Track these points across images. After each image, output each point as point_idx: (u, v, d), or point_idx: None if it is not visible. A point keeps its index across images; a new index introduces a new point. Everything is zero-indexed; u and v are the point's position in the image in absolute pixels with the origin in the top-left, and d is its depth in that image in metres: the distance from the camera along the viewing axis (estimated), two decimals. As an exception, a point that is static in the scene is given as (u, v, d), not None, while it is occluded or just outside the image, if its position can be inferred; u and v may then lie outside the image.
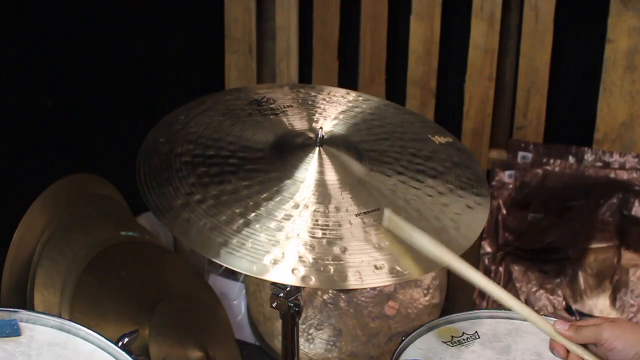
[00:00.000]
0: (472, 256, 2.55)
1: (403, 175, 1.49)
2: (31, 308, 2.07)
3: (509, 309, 1.35)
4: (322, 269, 1.31)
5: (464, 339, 1.54)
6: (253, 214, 1.36)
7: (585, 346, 1.30)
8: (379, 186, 1.45)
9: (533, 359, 1.50)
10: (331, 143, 1.49)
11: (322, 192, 1.41)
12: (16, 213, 2.14)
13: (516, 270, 2.47)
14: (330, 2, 2.75)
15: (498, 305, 2.58)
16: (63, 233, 2.17)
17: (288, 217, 1.36)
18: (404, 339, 1.50)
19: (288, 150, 1.47)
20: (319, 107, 1.62)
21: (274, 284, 1.47)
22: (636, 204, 2.45)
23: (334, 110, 1.62)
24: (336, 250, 1.33)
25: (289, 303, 1.49)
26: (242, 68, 2.88)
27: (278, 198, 1.39)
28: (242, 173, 1.42)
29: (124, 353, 1.37)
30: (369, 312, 2.41)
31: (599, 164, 2.55)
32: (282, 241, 1.33)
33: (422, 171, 1.50)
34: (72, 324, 1.40)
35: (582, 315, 2.37)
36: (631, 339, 1.27)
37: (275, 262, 1.31)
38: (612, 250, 2.41)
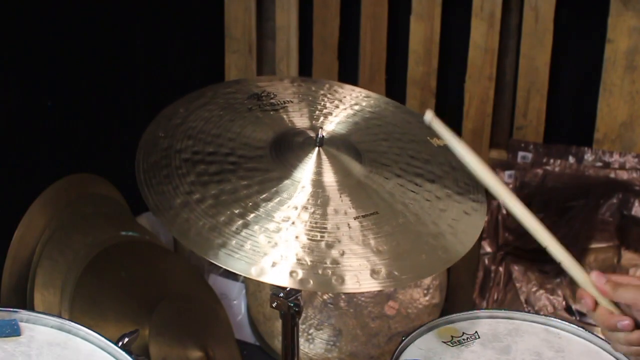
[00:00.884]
0: (472, 256, 2.55)
1: (401, 179, 1.48)
2: (31, 308, 2.07)
3: (539, 240, 1.25)
4: (320, 272, 1.31)
5: (464, 339, 1.54)
6: (252, 215, 1.36)
7: (616, 304, 1.23)
8: (378, 189, 1.45)
9: (533, 359, 1.50)
10: (331, 143, 1.48)
11: (321, 194, 1.40)
12: (16, 213, 2.14)
13: (516, 270, 2.47)
14: (330, 2, 2.75)
15: (498, 305, 2.59)
16: (63, 233, 2.17)
17: (287, 219, 1.36)
18: (404, 339, 1.50)
19: (288, 150, 1.47)
20: (319, 103, 1.61)
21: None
22: (636, 204, 2.45)
23: (333, 107, 1.61)
24: (334, 253, 1.33)
25: (289, 303, 1.49)
26: (242, 68, 2.88)
27: (277, 199, 1.38)
28: (241, 172, 1.42)
29: (124, 353, 1.37)
30: (369, 312, 2.41)
31: (599, 164, 2.55)
32: (280, 243, 1.33)
33: (420, 175, 1.50)
34: (72, 324, 1.40)
35: (582, 315, 2.37)
36: None
37: (273, 264, 1.31)
38: (612, 250, 2.41)
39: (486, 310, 1.61)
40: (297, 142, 1.48)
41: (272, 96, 1.60)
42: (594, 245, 2.41)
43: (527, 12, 2.55)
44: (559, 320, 1.58)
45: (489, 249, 2.52)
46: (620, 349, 1.25)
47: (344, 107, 1.62)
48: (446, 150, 1.60)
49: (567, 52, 2.59)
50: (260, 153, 1.46)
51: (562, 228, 2.48)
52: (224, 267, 1.31)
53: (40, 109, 2.33)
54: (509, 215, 2.56)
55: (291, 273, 1.30)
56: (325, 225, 1.36)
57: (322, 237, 1.35)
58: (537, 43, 2.55)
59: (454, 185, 1.51)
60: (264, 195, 1.38)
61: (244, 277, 2.61)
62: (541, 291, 2.42)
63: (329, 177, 1.43)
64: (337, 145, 1.49)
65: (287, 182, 1.41)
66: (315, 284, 1.29)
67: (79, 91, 2.43)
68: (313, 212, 1.37)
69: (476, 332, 1.56)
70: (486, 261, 2.51)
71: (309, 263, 1.31)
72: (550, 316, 1.61)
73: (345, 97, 1.65)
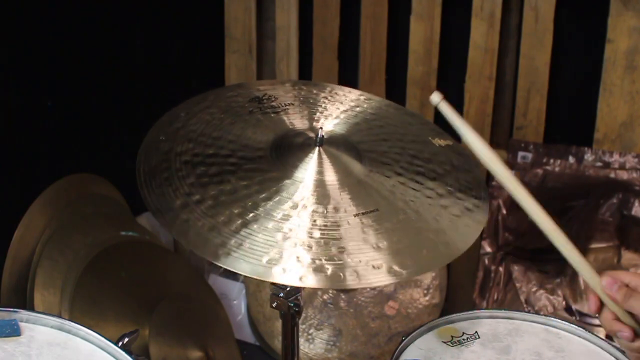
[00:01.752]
0: (472, 256, 2.55)
1: (402, 177, 1.49)
2: (31, 308, 2.07)
3: (547, 234, 1.23)
4: (320, 269, 1.31)
5: (464, 339, 1.54)
6: (251, 215, 1.36)
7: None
8: (378, 187, 1.45)
9: (533, 359, 1.50)
10: (331, 143, 1.49)
11: (321, 193, 1.41)
12: (16, 213, 2.14)
13: (516, 270, 2.47)
14: (330, 2, 2.75)
15: (498, 305, 2.59)
16: (63, 233, 2.17)
17: (286, 218, 1.36)
18: (404, 339, 1.50)
19: (288, 150, 1.47)
20: (320, 106, 1.61)
21: (273, 283, 1.47)
22: (636, 204, 2.45)
23: (334, 109, 1.62)
24: (334, 250, 1.33)
25: (289, 303, 1.49)
26: (242, 68, 2.88)
27: (277, 198, 1.39)
28: (241, 173, 1.42)
29: (124, 353, 1.37)
30: (369, 312, 2.41)
31: (599, 164, 2.55)
32: (280, 242, 1.33)
33: (421, 173, 1.50)
34: (72, 324, 1.40)
35: (582, 315, 2.37)
36: None
37: (273, 262, 1.31)
38: (612, 250, 2.41)
39: (486, 310, 1.61)
40: (297, 143, 1.49)
41: (273, 99, 1.60)
42: (594, 245, 2.41)
43: (527, 12, 2.55)
44: (559, 320, 1.58)
45: (489, 249, 2.52)
46: (622, 347, 1.24)
47: (345, 109, 1.62)
48: (448, 149, 1.60)
49: (567, 52, 2.59)
50: (261, 154, 1.46)
51: (562, 228, 2.48)
52: (224, 267, 1.31)
53: (40, 109, 2.33)
54: (509, 215, 2.56)
55: (291, 271, 1.30)
56: (325, 223, 1.36)
57: (322, 234, 1.35)
58: (537, 43, 2.55)
59: (455, 183, 1.52)
60: (264, 195, 1.39)
61: (244, 277, 2.62)
62: (541, 291, 2.42)
63: (330, 176, 1.43)
64: (337, 145, 1.49)
65: (287, 181, 1.42)
66: (316, 281, 1.30)
67: (79, 91, 2.44)
68: (313, 211, 1.38)
69: (476, 332, 1.56)
70: (486, 261, 2.51)
71: (309, 260, 1.31)
72: (550, 316, 1.61)
73: (346, 99, 1.65)
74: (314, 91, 1.66)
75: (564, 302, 2.39)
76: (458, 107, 2.66)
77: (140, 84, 2.65)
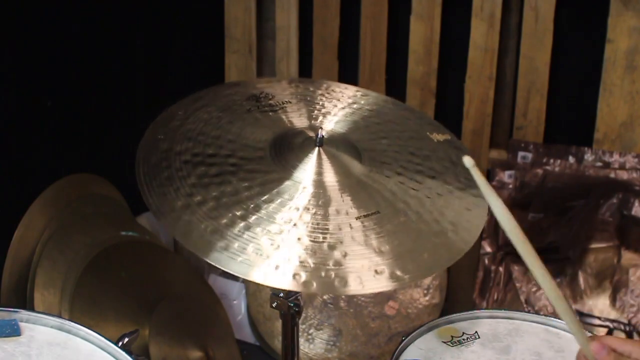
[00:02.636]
0: (472, 256, 2.55)
1: (402, 176, 1.48)
2: (31, 308, 2.07)
3: (555, 305, 1.24)
4: (323, 274, 1.30)
5: (464, 339, 1.54)
6: (254, 217, 1.35)
7: None
8: (379, 188, 1.45)
9: (533, 359, 1.50)
10: (330, 143, 1.48)
11: (322, 195, 1.40)
12: (16, 213, 2.14)
13: (516, 270, 2.47)
14: (330, 2, 2.75)
15: (498, 305, 2.59)
16: (63, 233, 2.17)
17: (289, 221, 1.35)
18: (404, 339, 1.50)
19: (288, 150, 1.47)
20: (318, 103, 1.61)
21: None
22: (636, 204, 2.45)
23: (332, 107, 1.61)
24: (337, 255, 1.33)
25: (289, 303, 1.49)
26: (242, 68, 2.88)
27: (278, 200, 1.38)
28: (242, 173, 1.42)
29: (124, 353, 1.37)
30: (369, 312, 2.41)
31: (599, 164, 2.55)
32: (282, 245, 1.32)
33: (420, 171, 1.50)
34: (72, 324, 1.40)
35: (582, 315, 2.37)
36: None
37: (276, 267, 1.30)
38: (612, 250, 2.41)
39: (486, 310, 1.61)
40: (296, 143, 1.48)
41: (271, 97, 1.60)
42: (594, 245, 2.41)
43: (527, 12, 2.55)
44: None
45: (489, 249, 2.52)
46: None
47: (342, 106, 1.62)
48: (445, 145, 1.60)
49: (567, 52, 2.59)
50: (260, 154, 1.46)
51: (562, 228, 2.48)
52: (226, 270, 1.30)
53: (40, 109, 2.33)
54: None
55: (294, 275, 1.30)
56: (327, 226, 1.36)
57: (324, 238, 1.34)
58: (537, 43, 2.55)
59: (454, 181, 1.52)
60: (265, 197, 1.38)
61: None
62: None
63: (330, 177, 1.43)
64: (336, 144, 1.49)
65: (288, 183, 1.41)
66: (319, 286, 1.29)
67: (79, 91, 2.43)
68: (315, 213, 1.37)
69: (476, 332, 1.56)
70: (486, 261, 2.51)
71: (312, 265, 1.31)
72: (550, 316, 1.61)
73: (343, 96, 1.65)
74: (311, 88, 1.65)
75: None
76: (458, 107, 2.68)
77: (140, 84, 2.65)
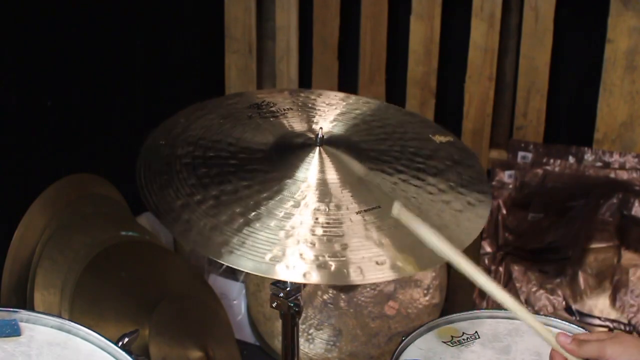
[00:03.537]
0: (472, 256, 2.55)
1: (403, 174, 1.49)
2: (31, 308, 2.07)
3: (509, 311, 1.34)
4: (323, 265, 1.31)
5: (464, 339, 1.54)
6: (253, 213, 1.36)
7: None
8: (380, 184, 1.45)
9: (533, 359, 1.50)
10: (331, 143, 1.49)
11: (323, 191, 1.41)
12: (16, 213, 2.14)
13: (516, 270, 2.47)
14: (330, 2, 2.75)
15: (498, 305, 2.59)
16: (63, 233, 2.17)
17: (289, 216, 1.36)
18: (404, 339, 1.50)
19: (288, 151, 1.47)
20: (319, 110, 1.62)
21: (274, 283, 1.47)
22: (636, 204, 2.45)
23: (333, 112, 1.62)
24: (337, 247, 1.33)
25: (289, 303, 1.49)
26: (242, 68, 2.88)
27: (278, 197, 1.39)
28: (242, 173, 1.42)
29: (124, 353, 1.37)
30: (369, 312, 2.41)
31: (599, 164, 2.55)
32: (282, 239, 1.33)
33: (422, 169, 1.51)
34: (72, 324, 1.40)
35: (582, 315, 2.37)
36: (636, 354, 1.25)
37: (276, 260, 1.31)
38: (612, 250, 2.40)
39: (486, 310, 1.61)
40: (297, 143, 1.49)
41: (272, 105, 1.61)
42: (594, 245, 2.41)
43: (527, 12, 2.55)
44: (559, 320, 1.58)
45: (489, 249, 2.52)
46: None
47: (343, 112, 1.63)
48: (448, 146, 1.60)
49: (567, 52, 2.59)
50: (261, 155, 1.47)
51: (562, 228, 2.48)
52: (227, 264, 1.31)
53: (40, 108, 2.33)
54: (509, 215, 2.57)
55: (294, 267, 1.30)
56: (327, 221, 1.37)
57: (324, 232, 1.35)
58: (537, 43, 2.55)
59: (457, 178, 1.52)
60: (265, 194, 1.39)
61: (244, 277, 2.62)
62: (541, 291, 2.42)
63: (331, 175, 1.44)
64: (337, 145, 1.50)
65: (288, 181, 1.42)
66: (319, 277, 1.30)
67: (79, 91, 2.43)
68: (315, 209, 1.38)
69: (476, 332, 1.56)
70: (486, 261, 2.51)
71: (312, 257, 1.31)
72: (550, 316, 1.61)
73: (344, 103, 1.66)
74: (312, 97, 1.67)
75: (564, 302, 2.39)
76: (458, 107, 2.68)
77: (140, 84, 2.65)
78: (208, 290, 2.49)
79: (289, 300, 1.49)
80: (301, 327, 2.42)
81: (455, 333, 1.55)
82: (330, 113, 1.62)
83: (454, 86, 2.68)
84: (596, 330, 1.31)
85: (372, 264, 1.33)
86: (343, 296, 2.40)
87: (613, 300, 2.36)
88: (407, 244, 1.36)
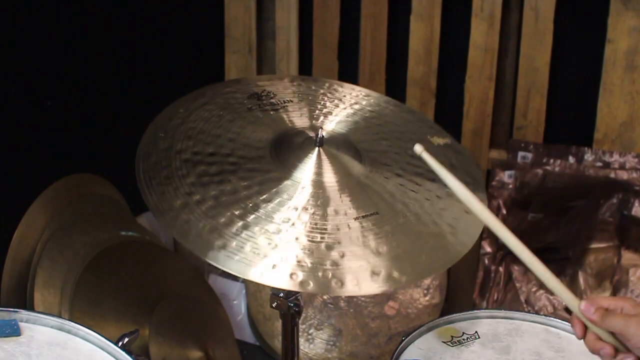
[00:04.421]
0: (472, 256, 2.55)
1: (402, 178, 1.48)
2: (31, 308, 2.07)
3: (530, 269, 1.29)
4: (320, 274, 1.30)
5: (464, 339, 1.54)
6: (252, 217, 1.35)
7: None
8: (378, 189, 1.45)
9: (533, 359, 1.50)
10: (331, 143, 1.48)
11: (321, 195, 1.40)
12: (16, 213, 2.14)
13: (516, 270, 2.47)
14: (330, 2, 2.75)
15: (498, 305, 2.59)
16: (63, 233, 2.17)
17: (287, 220, 1.35)
18: (404, 339, 1.50)
19: (288, 150, 1.47)
20: (319, 103, 1.61)
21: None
22: (636, 204, 2.45)
23: (333, 107, 1.61)
24: (334, 255, 1.33)
25: (289, 303, 1.49)
26: (242, 68, 2.88)
27: (277, 200, 1.38)
28: (241, 172, 1.42)
29: (124, 353, 1.37)
30: (369, 312, 2.41)
31: (599, 164, 2.55)
32: (280, 245, 1.32)
33: (420, 174, 1.50)
34: (72, 324, 1.40)
35: (582, 315, 2.37)
36: None
37: (273, 266, 1.30)
38: (612, 250, 2.41)
39: (486, 310, 1.61)
40: (297, 142, 1.48)
41: (272, 96, 1.59)
42: (594, 245, 2.41)
43: (527, 12, 2.55)
44: (559, 320, 1.58)
45: (489, 249, 2.52)
46: None
47: (344, 107, 1.62)
48: (446, 148, 1.60)
49: (567, 52, 2.59)
50: (261, 153, 1.46)
51: (562, 228, 2.48)
52: (224, 269, 1.30)
53: (40, 109, 2.33)
54: (509, 215, 2.56)
55: (291, 275, 1.30)
56: (325, 227, 1.36)
57: (322, 238, 1.34)
58: (537, 43, 2.55)
59: None
60: (264, 196, 1.38)
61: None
62: (541, 291, 2.42)
63: (329, 177, 1.43)
64: (337, 144, 1.49)
65: (287, 182, 1.41)
66: (315, 286, 1.29)
67: (79, 91, 2.43)
68: (313, 213, 1.37)
69: (476, 332, 1.56)
70: (486, 261, 2.51)
71: (309, 265, 1.31)
72: (550, 316, 1.61)
73: (345, 96, 1.65)
74: (313, 87, 1.65)
75: (564, 302, 2.39)
76: (458, 107, 2.68)
77: (141, 84, 2.65)
78: (208, 290, 2.49)
79: (289, 300, 1.49)
80: (301, 327, 2.42)
81: (455, 333, 1.55)
82: (330, 107, 1.61)
83: (454, 86, 2.68)
84: (621, 297, 1.28)
85: (368, 274, 1.32)
86: (343, 296, 2.40)
87: (613, 300, 2.36)
88: (403, 254, 1.36)
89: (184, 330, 2.26)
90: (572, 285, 2.39)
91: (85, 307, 2.09)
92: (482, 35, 2.59)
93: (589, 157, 2.56)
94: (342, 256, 1.33)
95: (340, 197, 1.41)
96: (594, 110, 2.56)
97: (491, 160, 2.68)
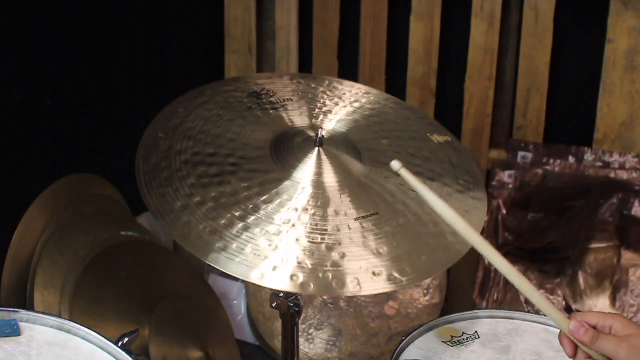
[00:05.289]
0: (472, 256, 2.55)
1: (402, 178, 1.48)
2: (31, 308, 2.07)
3: (518, 289, 1.29)
4: (321, 275, 1.30)
5: (464, 339, 1.54)
6: (252, 218, 1.35)
7: None
8: (378, 189, 1.45)
9: (533, 359, 1.50)
10: (331, 142, 1.48)
11: (321, 195, 1.40)
12: (16, 213, 2.14)
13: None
14: (330, 2, 2.75)
15: (498, 305, 2.59)
16: (63, 233, 2.17)
17: (287, 221, 1.35)
18: (404, 339, 1.50)
19: (288, 150, 1.47)
20: (319, 101, 1.60)
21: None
22: (636, 204, 2.44)
23: (333, 105, 1.61)
24: (335, 256, 1.33)
25: (289, 303, 1.49)
26: (242, 68, 2.88)
27: (277, 201, 1.38)
28: (241, 173, 1.42)
29: (124, 353, 1.37)
30: (369, 312, 2.41)
31: (599, 164, 2.55)
32: (281, 246, 1.32)
33: (420, 173, 1.50)
34: (72, 324, 1.40)
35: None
36: None
37: (274, 268, 1.30)
38: (612, 250, 2.40)
39: (486, 310, 1.61)
40: (297, 143, 1.48)
41: (272, 94, 1.59)
42: (594, 245, 2.41)
43: (527, 12, 2.55)
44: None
45: (489, 249, 2.51)
46: None
47: (344, 105, 1.61)
48: (446, 147, 1.59)
49: (567, 52, 2.59)
50: (260, 154, 1.46)
51: (562, 228, 2.48)
52: (225, 271, 1.30)
53: (40, 109, 2.33)
54: (509, 215, 2.56)
55: (292, 277, 1.30)
56: (325, 227, 1.36)
57: (322, 239, 1.34)
58: (537, 43, 2.55)
59: (454, 183, 1.51)
60: (265, 197, 1.38)
61: (244, 277, 2.62)
62: (541, 291, 2.42)
63: (329, 178, 1.43)
64: (337, 144, 1.49)
65: (287, 183, 1.41)
66: (316, 287, 1.29)
67: (79, 91, 2.44)
68: (313, 214, 1.37)
69: (476, 332, 1.56)
70: (486, 261, 2.51)
71: (310, 266, 1.31)
72: (550, 316, 1.61)
73: (344, 94, 1.65)
74: (312, 85, 1.65)
75: (564, 302, 2.39)
76: (458, 107, 2.68)
77: (140, 84, 2.65)
78: (208, 290, 2.49)
79: (289, 300, 1.48)
80: (301, 327, 2.42)
81: (455, 333, 1.55)
82: (330, 105, 1.61)
83: (454, 86, 2.68)
84: (610, 314, 1.26)
85: (369, 275, 1.32)
86: (343, 296, 2.40)
87: (613, 300, 2.36)
88: (404, 254, 1.36)
89: (184, 330, 2.26)
90: (572, 285, 2.39)
91: (85, 307, 2.09)
92: (482, 35, 2.59)
93: (589, 157, 2.56)
94: (343, 257, 1.33)
95: (341, 197, 1.41)
96: (594, 110, 2.56)
97: (491, 160, 2.68)
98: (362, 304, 2.41)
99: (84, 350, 1.37)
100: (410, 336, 1.51)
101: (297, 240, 1.33)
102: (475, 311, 1.60)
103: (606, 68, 2.50)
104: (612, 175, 2.52)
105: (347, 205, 1.40)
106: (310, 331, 2.43)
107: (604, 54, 2.50)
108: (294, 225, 1.35)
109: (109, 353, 1.37)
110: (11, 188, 2.25)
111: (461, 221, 1.28)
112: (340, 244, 1.34)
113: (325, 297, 2.41)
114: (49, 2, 2.28)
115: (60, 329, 1.40)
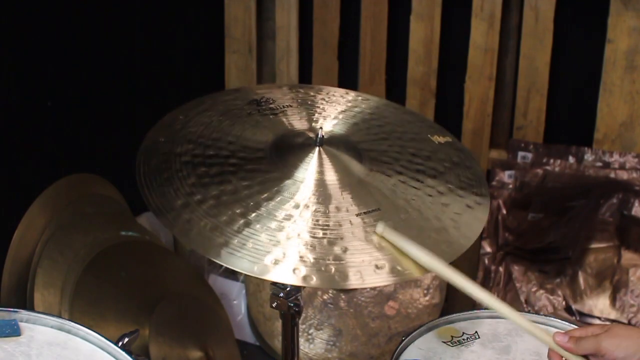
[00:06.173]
0: (472, 256, 2.55)
1: (403, 175, 1.49)
2: (31, 308, 2.07)
3: (503, 315, 1.34)
4: (323, 268, 1.31)
5: (464, 339, 1.54)
6: (254, 214, 1.36)
7: (585, 357, 1.31)
8: (379, 186, 1.45)
9: (533, 359, 1.50)
10: (331, 143, 1.49)
11: (322, 192, 1.40)
12: (16, 213, 2.14)
13: (516, 270, 2.47)
14: (330, 2, 2.75)
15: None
16: (63, 233, 2.17)
17: (289, 217, 1.36)
18: (404, 339, 1.50)
19: (288, 150, 1.47)
20: (318, 107, 1.62)
21: (274, 283, 1.47)
22: (636, 204, 2.45)
23: (333, 110, 1.62)
24: (337, 250, 1.33)
25: (289, 303, 1.49)
26: (242, 68, 2.88)
27: (278, 198, 1.39)
28: (242, 173, 1.42)
29: (124, 353, 1.37)
30: (369, 312, 2.41)
31: (599, 164, 2.55)
32: (282, 241, 1.33)
33: (422, 171, 1.50)
34: (72, 324, 1.40)
35: (582, 315, 2.37)
36: (631, 346, 1.28)
37: (276, 262, 1.31)
38: (612, 250, 2.41)
39: (486, 310, 1.61)
40: (297, 143, 1.49)
41: (271, 102, 1.60)
42: (594, 245, 2.41)
43: (527, 12, 2.55)
44: (559, 320, 1.58)
45: (489, 249, 2.52)
46: None
47: (343, 110, 1.62)
48: (447, 146, 1.60)
49: (567, 52, 2.59)
50: (261, 154, 1.46)
51: (562, 228, 2.48)
52: (226, 265, 1.31)
53: (40, 109, 2.33)
54: (509, 215, 2.57)
55: (294, 270, 1.30)
56: (327, 223, 1.36)
57: (324, 234, 1.35)
58: (537, 43, 2.55)
59: (456, 180, 1.52)
60: (265, 195, 1.39)
61: (244, 277, 2.62)
62: (541, 291, 2.42)
63: (330, 176, 1.43)
64: (337, 145, 1.49)
65: (288, 181, 1.42)
66: (319, 280, 1.29)
67: (79, 91, 2.44)
68: (315, 210, 1.38)
69: (476, 332, 1.56)
70: (486, 261, 2.51)
71: (312, 260, 1.31)
72: (550, 316, 1.61)
73: (343, 100, 1.66)
74: (312, 93, 1.66)
75: (564, 302, 2.39)
76: (458, 107, 2.68)
77: (141, 84, 2.65)
78: (208, 290, 2.49)
79: (289, 300, 1.48)
80: (301, 327, 2.42)
81: (455, 333, 1.55)
82: (329, 110, 1.61)
83: (454, 86, 2.68)
84: (590, 324, 1.33)
85: (371, 267, 1.32)
86: (343, 296, 2.40)
87: (613, 300, 2.37)
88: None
89: (184, 330, 2.26)
90: (572, 285, 2.39)
91: (85, 307, 2.09)
92: (482, 35, 2.59)
93: (589, 157, 2.56)
94: (345, 251, 1.33)
95: (342, 194, 1.41)
96: (594, 110, 2.56)
97: (491, 160, 2.68)
98: (362, 304, 2.41)
99: (84, 350, 1.37)
100: (410, 336, 1.52)
101: (299, 235, 1.34)
102: (475, 311, 1.60)
103: (606, 68, 2.51)
104: (612, 175, 2.52)
105: (348, 201, 1.40)
106: (310, 331, 2.43)
107: (604, 54, 2.50)
108: (295, 221, 1.35)
109: (109, 353, 1.37)
110: (11, 188, 2.25)
111: (452, 271, 1.33)
112: (342, 238, 1.35)
113: (325, 297, 2.41)
114: (49, 2, 2.28)
115: (60, 329, 1.40)
